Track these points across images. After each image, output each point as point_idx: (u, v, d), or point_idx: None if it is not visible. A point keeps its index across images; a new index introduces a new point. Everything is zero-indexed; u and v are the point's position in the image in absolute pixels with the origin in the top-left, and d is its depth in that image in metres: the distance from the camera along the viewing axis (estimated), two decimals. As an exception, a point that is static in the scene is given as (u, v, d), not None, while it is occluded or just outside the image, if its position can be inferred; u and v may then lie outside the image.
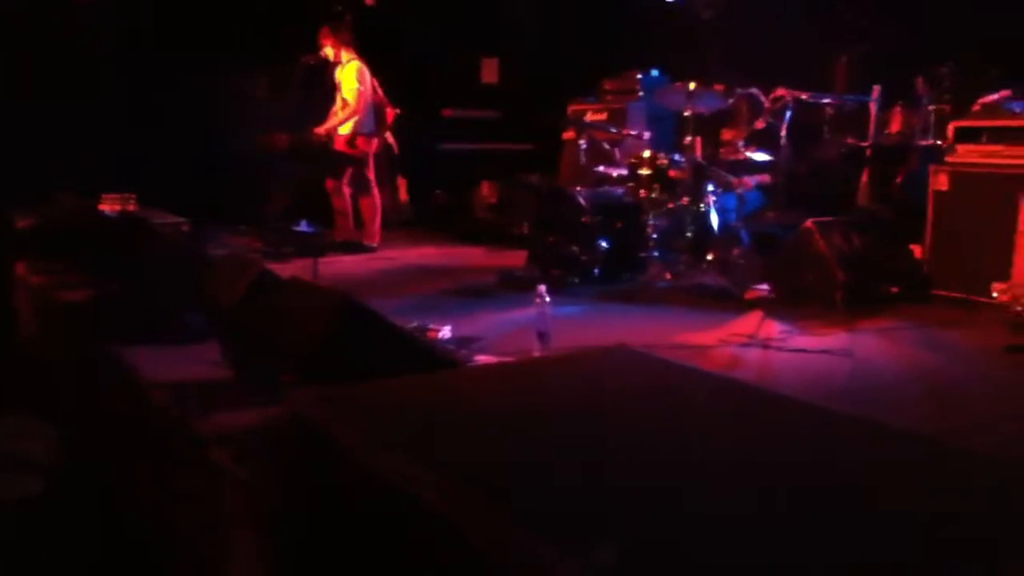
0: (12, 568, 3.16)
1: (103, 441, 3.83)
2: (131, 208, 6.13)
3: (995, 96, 5.26)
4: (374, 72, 7.31)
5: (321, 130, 7.12)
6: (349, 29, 7.30)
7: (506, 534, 1.36)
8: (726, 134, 6.48)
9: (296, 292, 2.89)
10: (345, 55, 7.19)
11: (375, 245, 7.34)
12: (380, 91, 7.40)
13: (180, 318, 3.82)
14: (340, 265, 6.63)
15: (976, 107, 5.29)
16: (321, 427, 1.88)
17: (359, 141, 7.21)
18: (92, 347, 3.94)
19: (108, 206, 6.11)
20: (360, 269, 6.60)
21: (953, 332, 4.56)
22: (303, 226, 6.99)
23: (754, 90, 6.30)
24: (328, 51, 7.17)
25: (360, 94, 7.10)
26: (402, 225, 7.95)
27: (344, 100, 7.15)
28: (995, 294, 4.61)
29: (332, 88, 7.29)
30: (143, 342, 3.69)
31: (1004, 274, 4.73)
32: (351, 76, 7.13)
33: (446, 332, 4.17)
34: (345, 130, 7.16)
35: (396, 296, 5.42)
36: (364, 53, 7.29)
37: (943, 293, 5.15)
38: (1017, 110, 5.06)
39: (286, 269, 5.08)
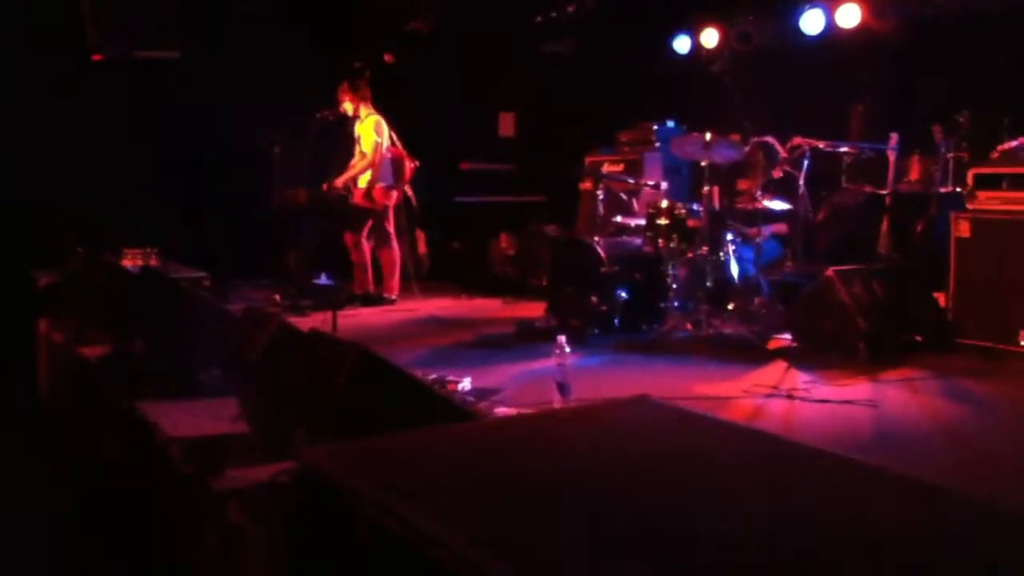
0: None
1: (121, 495, 3.80)
2: (153, 263, 6.17)
3: (1014, 143, 5.25)
4: (392, 126, 7.40)
5: (339, 182, 7.19)
6: (368, 85, 7.41)
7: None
8: (742, 183, 6.49)
9: (315, 346, 2.88)
10: (364, 110, 7.29)
11: (394, 298, 7.35)
12: (399, 144, 7.48)
13: (200, 373, 3.82)
14: (359, 318, 6.65)
15: (995, 154, 5.28)
16: (334, 482, 1.85)
17: (378, 193, 7.27)
18: (111, 402, 3.94)
19: (130, 261, 6.16)
20: (379, 321, 6.61)
21: (978, 382, 4.49)
22: (322, 279, 7.01)
23: (769, 138, 6.31)
24: (347, 106, 7.27)
25: (377, 147, 7.18)
26: (420, 277, 7.97)
27: (362, 153, 7.23)
28: (1023, 342, 4.54)
29: (349, 142, 7.37)
30: (162, 397, 3.69)
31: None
32: (369, 129, 7.22)
33: (466, 384, 4.14)
34: (363, 183, 7.23)
35: (415, 348, 5.41)
36: (382, 108, 7.38)
37: (968, 342, 5.07)
38: (1036, 157, 5.05)
39: (305, 322, 5.10)
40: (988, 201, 5.13)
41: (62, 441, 4.98)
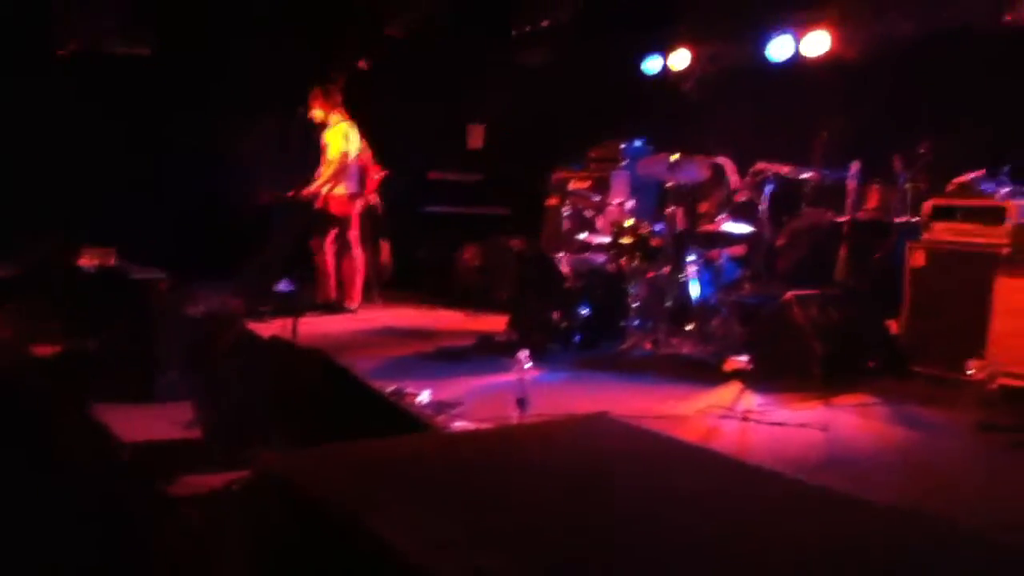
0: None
1: (73, 499, 3.74)
2: (111, 262, 6.08)
3: (969, 176, 5.36)
4: (362, 133, 7.37)
5: (308, 191, 7.15)
6: (340, 92, 7.38)
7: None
8: (702, 206, 6.55)
9: (275, 352, 2.87)
10: (334, 117, 7.26)
11: (355, 306, 7.32)
12: (367, 152, 7.46)
13: (155, 376, 3.78)
14: (320, 325, 6.60)
15: (951, 186, 5.40)
16: (291, 489, 1.85)
17: (342, 201, 7.24)
18: (62, 403, 3.88)
19: (87, 260, 6.07)
20: (339, 329, 6.57)
21: (929, 409, 4.57)
22: (283, 285, 6.96)
23: (720, 159, 6.37)
24: (317, 113, 7.24)
25: (344, 155, 7.16)
26: (383, 286, 7.95)
27: (328, 161, 7.20)
28: (970, 371, 4.64)
29: (318, 148, 7.35)
30: (116, 399, 3.64)
31: (979, 351, 4.77)
32: (338, 137, 7.19)
33: (424, 396, 4.14)
34: (341, 190, 7.21)
35: (375, 358, 5.39)
36: (353, 114, 7.36)
37: (920, 369, 5.17)
38: (989, 191, 5.17)
39: (266, 328, 5.06)
40: (943, 232, 5.24)
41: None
